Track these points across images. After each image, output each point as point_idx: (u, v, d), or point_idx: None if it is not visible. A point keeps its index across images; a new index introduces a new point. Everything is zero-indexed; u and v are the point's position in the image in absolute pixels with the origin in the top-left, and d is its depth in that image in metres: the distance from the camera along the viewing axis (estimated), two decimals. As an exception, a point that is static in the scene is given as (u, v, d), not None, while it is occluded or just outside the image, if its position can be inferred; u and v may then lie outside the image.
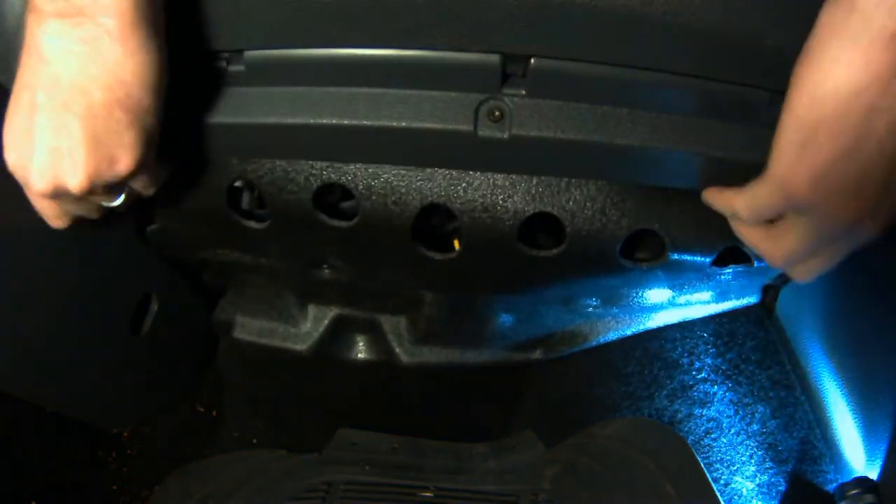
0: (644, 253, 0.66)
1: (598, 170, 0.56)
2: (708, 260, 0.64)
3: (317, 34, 0.47)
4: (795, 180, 0.37)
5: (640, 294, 0.80)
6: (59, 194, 0.43)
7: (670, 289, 0.79)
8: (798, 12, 0.43)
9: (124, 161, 0.42)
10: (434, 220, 0.67)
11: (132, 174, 0.44)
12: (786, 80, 0.48)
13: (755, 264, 0.66)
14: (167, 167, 0.53)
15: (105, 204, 0.49)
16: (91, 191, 0.43)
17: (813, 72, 0.35)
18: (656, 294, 0.81)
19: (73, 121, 0.39)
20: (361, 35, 0.47)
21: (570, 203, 0.58)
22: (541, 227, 0.63)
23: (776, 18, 0.43)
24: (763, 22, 0.43)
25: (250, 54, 0.50)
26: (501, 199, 0.57)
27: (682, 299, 0.85)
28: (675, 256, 0.61)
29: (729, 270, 0.69)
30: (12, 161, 0.42)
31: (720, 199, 0.49)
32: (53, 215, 0.48)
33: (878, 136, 0.34)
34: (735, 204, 0.45)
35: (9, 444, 0.65)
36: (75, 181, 0.41)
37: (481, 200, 0.57)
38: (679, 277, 0.71)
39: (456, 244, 0.65)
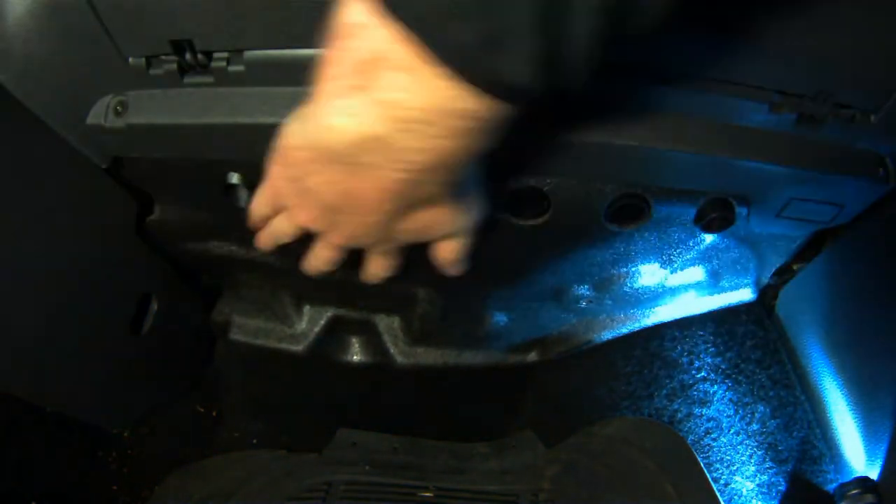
0: (629, 221, 0.66)
1: (598, 169, 0.56)
2: (692, 212, 0.63)
3: (317, 34, 0.47)
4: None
5: (630, 274, 0.80)
6: None
7: (660, 263, 0.79)
8: (798, 12, 0.43)
9: None
10: None
11: None
12: (786, 79, 0.48)
13: (736, 220, 0.65)
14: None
15: None
16: None
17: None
18: (647, 273, 0.80)
19: None
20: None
21: (554, 177, 0.58)
22: (526, 203, 0.63)
23: (776, 18, 0.43)
24: (763, 22, 0.43)
25: (250, 54, 0.50)
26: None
27: (674, 280, 0.84)
28: (660, 213, 0.61)
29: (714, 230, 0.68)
30: None
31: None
32: None
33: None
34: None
35: (9, 444, 0.65)
36: None
37: None
38: (666, 243, 0.70)
39: None
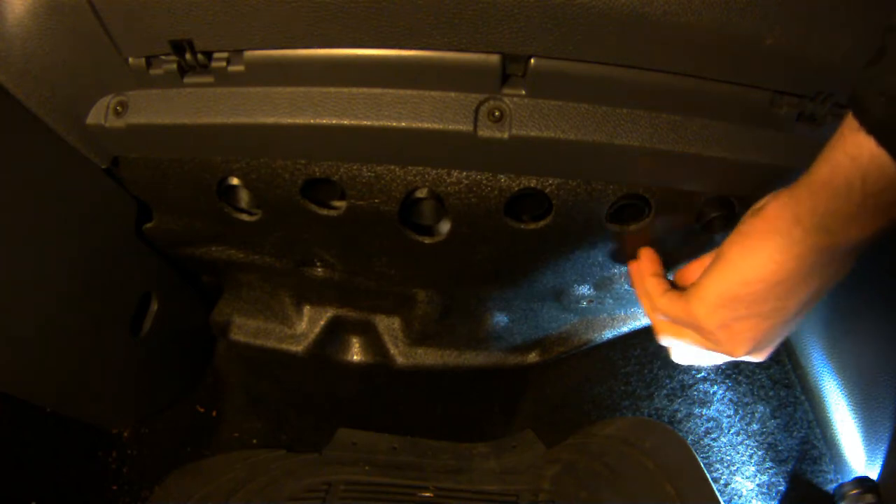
0: (631, 221, 0.66)
1: (598, 170, 0.56)
2: (693, 212, 0.63)
3: (317, 34, 0.47)
4: (708, 323, 0.47)
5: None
6: None
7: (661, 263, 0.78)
8: (797, 12, 0.43)
9: None
10: (422, 212, 0.66)
11: None
12: (786, 79, 0.48)
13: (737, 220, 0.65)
14: None
15: None
16: None
17: (748, 257, 0.43)
18: None
19: None
20: (361, 35, 0.47)
21: (555, 178, 0.58)
22: (527, 207, 0.63)
23: (775, 18, 0.43)
24: (762, 22, 0.43)
25: (250, 54, 0.50)
26: (486, 178, 0.57)
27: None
28: (661, 213, 0.61)
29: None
30: None
31: (645, 283, 0.59)
32: None
33: (787, 309, 0.45)
34: (655, 299, 0.55)
35: (9, 444, 0.65)
36: None
37: (466, 182, 0.57)
38: (667, 244, 0.71)
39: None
